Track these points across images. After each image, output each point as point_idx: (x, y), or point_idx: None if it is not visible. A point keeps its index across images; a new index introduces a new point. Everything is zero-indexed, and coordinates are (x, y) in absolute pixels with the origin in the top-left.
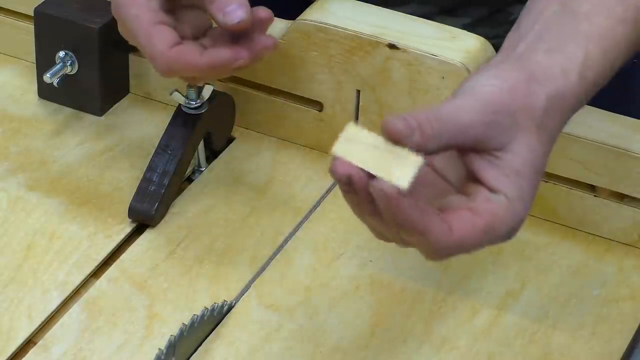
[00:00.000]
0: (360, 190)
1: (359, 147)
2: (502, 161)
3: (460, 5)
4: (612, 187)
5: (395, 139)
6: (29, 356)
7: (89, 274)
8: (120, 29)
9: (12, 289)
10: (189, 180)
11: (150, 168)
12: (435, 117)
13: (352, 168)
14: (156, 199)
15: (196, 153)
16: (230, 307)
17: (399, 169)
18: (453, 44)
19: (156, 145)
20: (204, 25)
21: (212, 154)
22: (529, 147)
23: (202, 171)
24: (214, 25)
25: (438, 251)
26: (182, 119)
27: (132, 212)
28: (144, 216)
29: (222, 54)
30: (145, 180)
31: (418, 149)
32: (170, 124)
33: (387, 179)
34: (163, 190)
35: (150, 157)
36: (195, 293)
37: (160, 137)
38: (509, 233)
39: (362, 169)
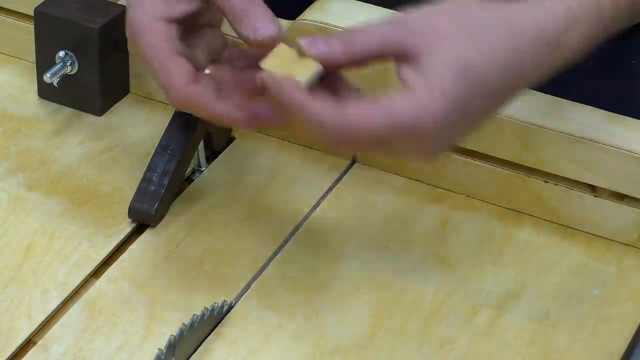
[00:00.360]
0: (270, 92)
1: (281, 60)
2: (419, 63)
3: None
4: (612, 187)
5: (300, 50)
6: (28, 356)
7: (89, 274)
8: (131, 49)
9: (12, 289)
10: (189, 180)
11: (150, 168)
12: (346, 32)
13: (265, 74)
14: (156, 199)
15: (196, 153)
16: (230, 307)
17: (300, 73)
18: None
19: (156, 146)
20: (220, 44)
21: (212, 154)
22: (449, 52)
23: (202, 171)
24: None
25: (325, 129)
26: (182, 119)
27: (132, 212)
28: (144, 216)
29: (234, 114)
30: (145, 181)
31: (328, 62)
32: (170, 123)
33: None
34: (163, 190)
35: (150, 157)
36: (195, 293)
37: (160, 137)
38: (414, 124)
39: (274, 75)
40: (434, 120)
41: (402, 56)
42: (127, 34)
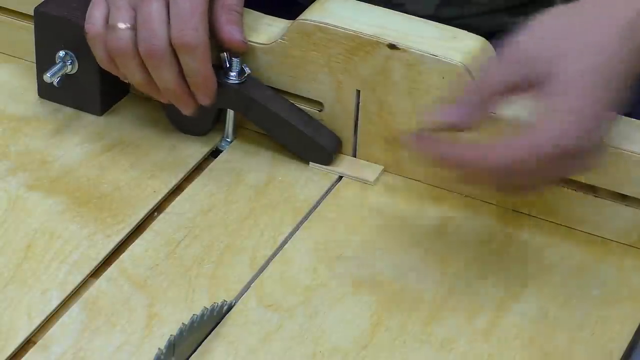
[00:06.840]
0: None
1: None
2: (542, 89)
3: None
4: (612, 187)
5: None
6: (28, 355)
7: (89, 274)
8: None
9: (12, 289)
10: (217, 150)
11: None
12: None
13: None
14: None
15: (225, 124)
16: (230, 307)
17: None
18: (453, 44)
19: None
20: None
21: (212, 153)
22: (571, 68)
23: (229, 142)
24: None
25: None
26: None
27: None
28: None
29: None
30: None
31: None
32: None
33: None
34: None
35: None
36: (195, 293)
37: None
38: (552, 144)
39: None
40: (566, 133)
41: (529, 86)
42: None
